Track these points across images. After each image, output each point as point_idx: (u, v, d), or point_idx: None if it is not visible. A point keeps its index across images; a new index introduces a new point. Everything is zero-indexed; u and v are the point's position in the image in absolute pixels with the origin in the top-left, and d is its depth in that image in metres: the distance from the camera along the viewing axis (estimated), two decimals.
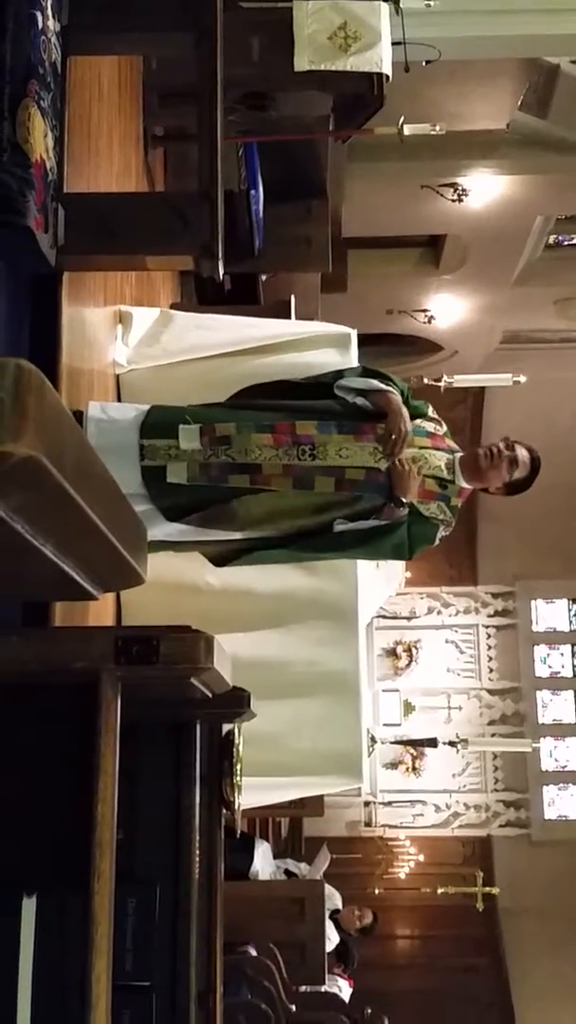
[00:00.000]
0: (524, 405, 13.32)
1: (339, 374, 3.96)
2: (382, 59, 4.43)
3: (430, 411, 4.02)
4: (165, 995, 2.18)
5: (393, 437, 3.74)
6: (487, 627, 14.67)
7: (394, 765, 13.83)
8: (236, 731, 2.42)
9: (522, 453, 3.94)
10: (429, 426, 3.96)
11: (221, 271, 3.82)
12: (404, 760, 13.83)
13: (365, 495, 3.79)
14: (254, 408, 3.92)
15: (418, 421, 3.93)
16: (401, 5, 5.63)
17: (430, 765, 13.83)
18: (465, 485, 3.94)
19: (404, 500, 3.76)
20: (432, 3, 5.89)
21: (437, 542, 3.95)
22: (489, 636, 14.66)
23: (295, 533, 3.86)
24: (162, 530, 3.83)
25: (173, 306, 6.14)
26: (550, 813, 14.35)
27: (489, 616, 14.71)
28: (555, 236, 11.91)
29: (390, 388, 3.88)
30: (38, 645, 1.87)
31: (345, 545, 3.89)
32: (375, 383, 3.89)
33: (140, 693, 1.93)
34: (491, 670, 14.53)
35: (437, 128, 5.74)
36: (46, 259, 3.54)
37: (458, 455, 3.97)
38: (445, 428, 4.04)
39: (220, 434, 3.79)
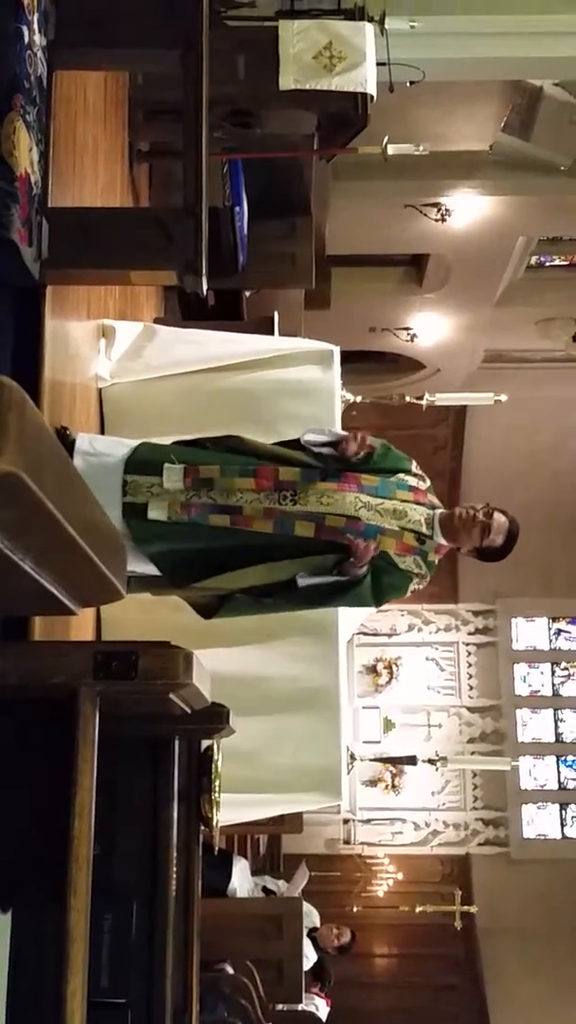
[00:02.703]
0: (505, 424, 13.36)
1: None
2: (366, 79, 4.47)
3: (414, 467, 4.02)
4: (141, 1012, 2.17)
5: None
6: (467, 645, 14.69)
7: (373, 783, 13.81)
8: (215, 747, 2.42)
9: (500, 520, 3.93)
10: (412, 480, 3.96)
11: (205, 287, 3.83)
12: (383, 778, 13.81)
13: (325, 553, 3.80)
14: (241, 451, 3.91)
15: (400, 475, 3.94)
16: (386, 26, 5.68)
17: (409, 783, 13.81)
18: (443, 542, 3.93)
19: (358, 569, 3.78)
20: (416, 25, 5.94)
21: (409, 593, 3.96)
22: (469, 654, 14.67)
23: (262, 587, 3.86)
24: (140, 566, 3.83)
25: (156, 321, 6.15)
26: (529, 832, 14.35)
27: (469, 634, 14.73)
28: (537, 257, 11.99)
29: (347, 434, 3.92)
30: (16, 659, 1.87)
31: (310, 600, 3.89)
32: (336, 431, 3.94)
33: (119, 708, 1.92)
34: (471, 688, 14.54)
35: (421, 148, 5.77)
36: (30, 272, 3.54)
37: (438, 512, 3.97)
38: (428, 484, 4.03)
39: (204, 476, 3.79)
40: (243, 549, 3.80)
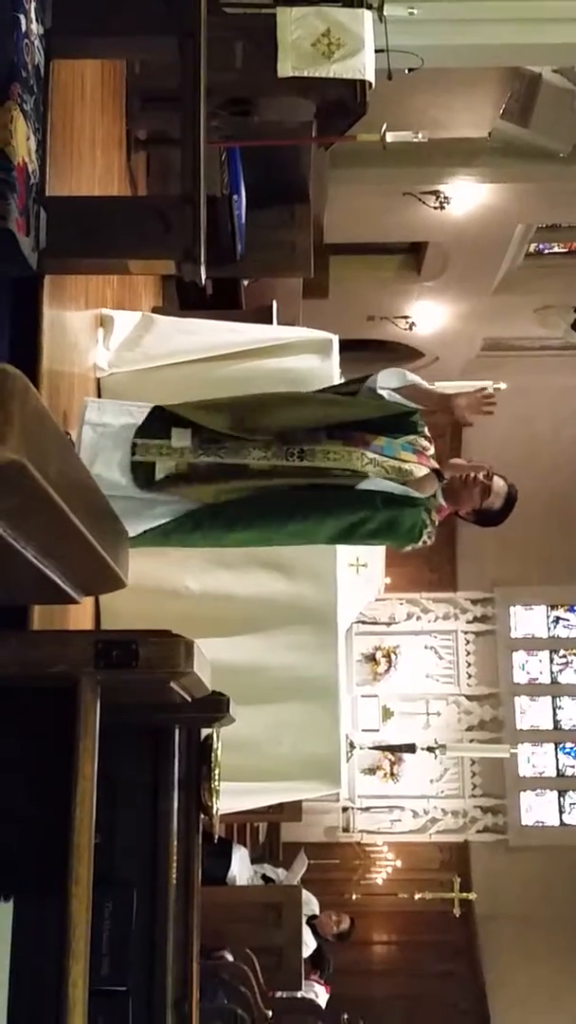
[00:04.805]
0: (504, 412, 13.31)
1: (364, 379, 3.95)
2: (365, 66, 4.44)
3: (425, 431, 4.03)
4: (141, 1000, 2.17)
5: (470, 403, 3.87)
6: (466, 633, 14.68)
7: (372, 770, 13.82)
8: (215, 736, 2.42)
9: (498, 483, 3.97)
10: (421, 443, 3.97)
11: (203, 275, 3.82)
12: (382, 765, 13.82)
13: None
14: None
15: (411, 437, 3.94)
16: (384, 13, 5.66)
17: (408, 771, 13.83)
18: (443, 503, 3.95)
19: (444, 476, 3.88)
20: (415, 11, 5.93)
21: (420, 544, 3.95)
22: (468, 642, 14.68)
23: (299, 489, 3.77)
24: (141, 524, 3.76)
25: (155, 310, 6.14)
26: (527, 819, 14.37)
27: (468, 622, 14.72)
28: (536, 244, 11.98)
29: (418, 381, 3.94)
30: (17, 648, 1.87)
31: (368, 505, 3.76)
32: (410, 376, 3.91)
33: (119, 697, 1.93)
34: (470, 676, 14.54)
35: (419, 136, 5.75)
36: (27, 262, 3.53)
37: None
38: (432, 450, 4.05)
39: (211, 436, 3.77)
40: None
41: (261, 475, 3.74)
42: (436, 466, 3.98)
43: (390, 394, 3.87)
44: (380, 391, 3.87)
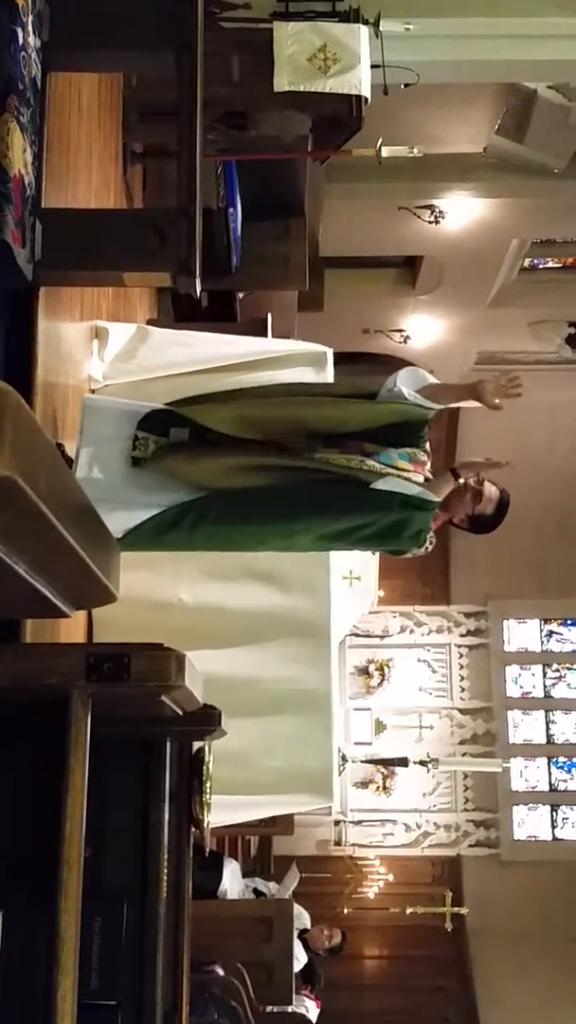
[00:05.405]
0: (498, 426, 13.36)
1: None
2: (361, 81, 4.47)
3: (427, 445, 4.03)
4: (131, 1014, 2.17)
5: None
6: (459, 646, 14.68)
7: (364, 784, 13.80)
8: (206, 749, 2.42)
9: (490, 490, 3.99)
10: (420, 456, 3.96)
11: (198, 288, 3.83)
12: (375, 779, 13.79)
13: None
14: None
15: (412, 450, 3.94)
16: (380, 28, 5.68)
17: (400, 784, 13.80)
18: (438, 511, 3.95)
19: (460, 475, 3.89)
20: (411, 27, 5.95)
21: (421, 552, 3.95)
22: (461, 655, 14.67)
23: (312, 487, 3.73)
24: (130, 519, 3.72)
25: (150, 322, 6.15)
26: (519, 833, 14.35)
27: (461, 635, 14.72)
28: (530, 259, 12.01)
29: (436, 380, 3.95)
30: (9, 661, 1.87)
31: (384, 507, 3.73)
32: (429, 377, 3.90)
33: (111, 710, 1.92)
34: (463, 689, 14.54)
35: (415, 150, 5.78)
36: (23, 274, 3.54)
37: None
38: (429, 463, 4.05)
39: (210, 439, 3.75)
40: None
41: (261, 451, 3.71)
42: (430, 476, 3.99)
43: (411, 395, 3.86)
44: (401, 390, 3.84)
